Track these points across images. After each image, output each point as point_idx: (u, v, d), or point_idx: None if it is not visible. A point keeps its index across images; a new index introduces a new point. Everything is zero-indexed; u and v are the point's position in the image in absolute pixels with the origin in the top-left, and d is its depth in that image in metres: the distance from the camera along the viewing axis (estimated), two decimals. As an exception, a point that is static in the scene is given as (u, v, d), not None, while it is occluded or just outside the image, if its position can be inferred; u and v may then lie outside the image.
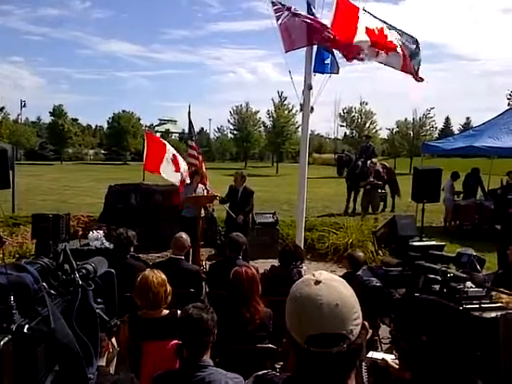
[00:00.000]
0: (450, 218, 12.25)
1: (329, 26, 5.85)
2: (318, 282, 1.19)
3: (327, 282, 1.20)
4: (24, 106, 54.52)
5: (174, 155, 9.55)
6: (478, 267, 2.01)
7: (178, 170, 9.47)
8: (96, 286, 1.30)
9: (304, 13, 6.03)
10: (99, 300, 1.36)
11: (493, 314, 1.59)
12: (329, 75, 6.48)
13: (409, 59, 6.41)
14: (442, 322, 1.64)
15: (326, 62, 6.56)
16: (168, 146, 9.68)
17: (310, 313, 1.16)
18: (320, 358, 1.16)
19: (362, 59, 6.17)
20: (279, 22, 5.98)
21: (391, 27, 6.48)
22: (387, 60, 6.36)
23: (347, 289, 1.22)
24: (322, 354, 1.15)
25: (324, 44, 6.16)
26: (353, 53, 6.06)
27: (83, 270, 1.28)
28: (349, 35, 5.91)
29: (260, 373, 1.48)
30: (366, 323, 1.22)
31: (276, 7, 6.08)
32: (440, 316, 1.65)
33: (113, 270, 1.46)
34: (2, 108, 49.17)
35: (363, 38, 6.00)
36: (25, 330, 0.97)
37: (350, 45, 5.96)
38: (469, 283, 1.75)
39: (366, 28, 6.04)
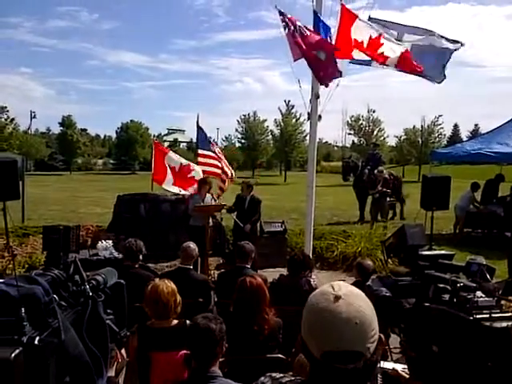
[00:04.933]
0: (461, 226, 12.10)
1: (333, 37, 5.92)
2: (337, 298, 1.18)
3: (347, 298, 1.18)
4: (34, 116, 54.88)
5: (172, 167, 9.62)
6: (488, 276, 1.99)
7: (176, 183, 9.56)
8: (106, 297, 1.31)
9: (308, 27, 6.08)
10: (109, 311, 1.37)
11: (503, 324, 1.57)
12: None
13: (411, 56, 6.29)
14: (452, 332, 1.63)
15: None
16: (169, 157, 9.73)
17: (328, 329, 1.15)
18: (335, 373, 1.15)
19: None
20: (287, 30, 6.02)
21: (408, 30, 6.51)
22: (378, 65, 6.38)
23: (366, 303, 1.21)
24: (337, 369, 1.15)
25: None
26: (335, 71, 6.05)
27: (93, 281, 1.29)
28: (348, 50, 5.97)
29: (273, 374, 1.47)
30: (383, 336, 1.22)
31: (283, 17, 6.13)
32: (450, 326, 1.64)
33: (123, 281, 1.47)
34: (13, 119, 49.71)
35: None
36: (36, 342, 0.98)
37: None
38: (479, 293, 1.74)
39: (354, 40, 6.08)
